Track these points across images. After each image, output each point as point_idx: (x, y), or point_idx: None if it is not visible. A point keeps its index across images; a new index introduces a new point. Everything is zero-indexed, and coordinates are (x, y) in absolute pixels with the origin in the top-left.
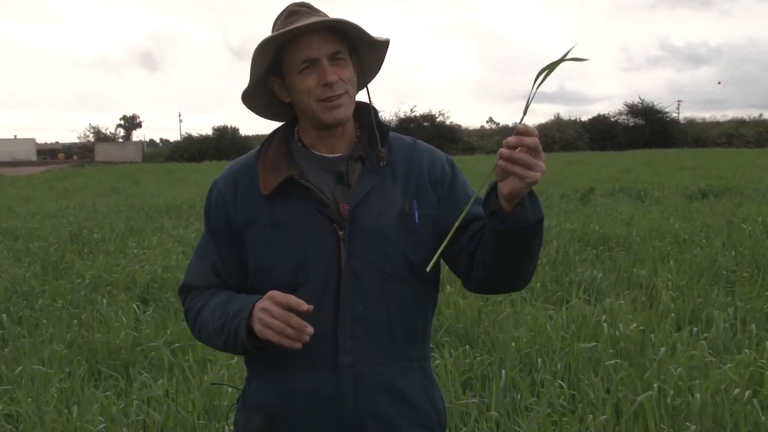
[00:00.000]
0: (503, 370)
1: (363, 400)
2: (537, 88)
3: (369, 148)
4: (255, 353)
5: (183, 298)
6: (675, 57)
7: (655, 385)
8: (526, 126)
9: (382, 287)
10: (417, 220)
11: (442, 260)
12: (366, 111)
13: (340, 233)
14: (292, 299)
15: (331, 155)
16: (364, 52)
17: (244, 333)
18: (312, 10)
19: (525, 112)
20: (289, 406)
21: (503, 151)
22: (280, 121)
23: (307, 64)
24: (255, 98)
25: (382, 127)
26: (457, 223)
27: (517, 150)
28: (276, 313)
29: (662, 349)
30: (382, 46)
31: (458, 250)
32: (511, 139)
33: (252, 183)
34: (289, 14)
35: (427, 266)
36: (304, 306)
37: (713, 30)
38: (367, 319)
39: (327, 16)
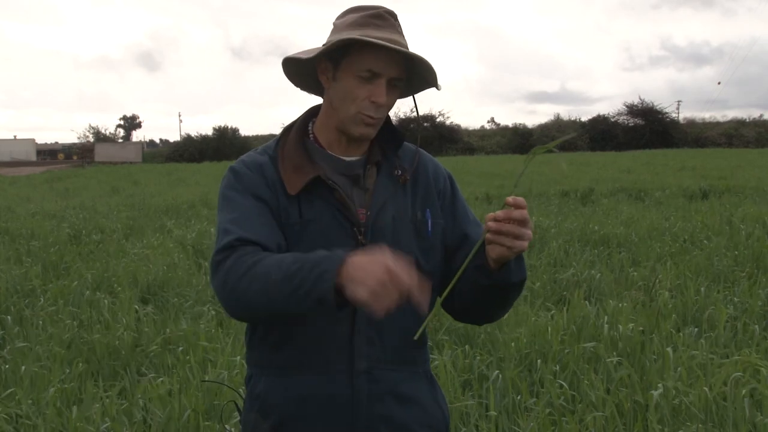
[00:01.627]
0: (498, 373)
1: (377, 404)
2: (527, 165)
3: (386, 154)
4: (329, 308)
5: (228, 254)
6: (677, 57)
7: (661, 385)
8: (515, 198)
9: None
10: (430, 228)
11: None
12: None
13: (360, 238)
14: (414, 288)
15: (347, 158)
16: (410, 87)
17: (332, 280)
18: (396, 22)
19: (515, 185)
20: (301, 410)
21: (491, 224)
22: (303, 89)
23: (369, 75)
24: (296, 65)
25: (398, 135)
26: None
27: (505, 221)
28: (398, 283)
29: (669, 350)
30: (428, 88)
31: (446, 273)
32: (500, 213)
33: (275, 178)
34: (377, 16)
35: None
36: (426, 286)
37: (715, 30)
38: (382, 325)
39: (403, 35)
